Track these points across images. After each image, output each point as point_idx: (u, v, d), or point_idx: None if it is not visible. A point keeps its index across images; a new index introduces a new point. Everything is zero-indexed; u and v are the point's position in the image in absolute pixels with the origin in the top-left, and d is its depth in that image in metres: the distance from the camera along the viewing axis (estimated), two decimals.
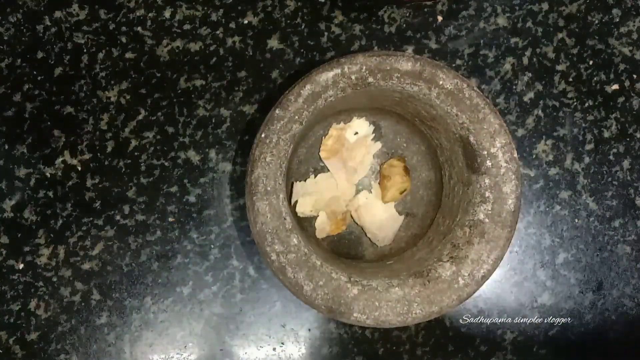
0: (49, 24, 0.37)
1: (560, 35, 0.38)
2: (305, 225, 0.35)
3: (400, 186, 0.35)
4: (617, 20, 0.38)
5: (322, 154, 0.35)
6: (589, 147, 0.37)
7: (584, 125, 0.38)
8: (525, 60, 0.38)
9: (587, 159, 0.37)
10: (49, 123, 0.36)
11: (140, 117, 0.36)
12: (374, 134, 0.36)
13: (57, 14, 0.37)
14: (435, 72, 0.30)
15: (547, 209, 0.37)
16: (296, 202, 0.35)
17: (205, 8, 0.37)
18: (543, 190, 0.37)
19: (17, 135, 0.36)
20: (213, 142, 0.36)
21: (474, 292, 0.30)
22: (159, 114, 0.36)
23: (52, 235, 0.36)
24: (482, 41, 0.38)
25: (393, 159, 0.35)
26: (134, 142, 0.36)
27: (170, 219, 0.36)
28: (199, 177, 0.36)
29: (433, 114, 0.32)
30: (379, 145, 0.36)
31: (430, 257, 0.32)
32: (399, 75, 0.30)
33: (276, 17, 0.37)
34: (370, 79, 0.30)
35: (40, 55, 0.36)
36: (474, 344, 0.36)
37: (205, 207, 0.36)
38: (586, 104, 0.38)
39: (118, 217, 0.36)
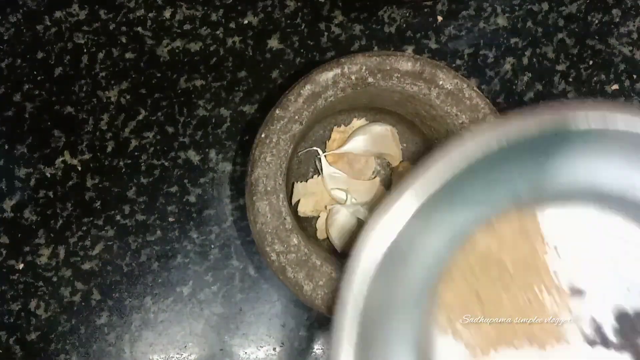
0: (49, 24, 0.37)
1: (560, 35, 0.38)
2: (305, 225, 0.35)
3: None
4: (617, 20, 0.38)
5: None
6: None
7: None
8: (525, 60, 0.38)
9: None
10: (49, 123, 0.36)
11: (140, 117, 0.36)
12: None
13: (57, 14, 0.37)
14: (435, 72, 0.30)
15: None
16: (297, 202, 0.35)
17: (205, 8, 0.37)
18: None
19: (17, 135, 0.36)
20: (213, 142, 0.36)
21: None
22: (159, 114, 0.36)
23: (52, 235, 0.36)
24: (482, 41, 0.38)
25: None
26: (134, 142, 0.36)
27: (171, 219, 0.36)
28: (199, 177, 0.36)
29: (433, 114, 0.32)
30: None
31: None
32: (398, 75, 0.30)
33: (276, 17, 0.37)
34: (370, 79, 0.30)
35: (40, 55, 0.36)
36: None
37: (205, 207, 0.36)
38: None
39: (118, 217, 0.36)
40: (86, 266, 0.35)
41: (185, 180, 0.36)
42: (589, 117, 0.24)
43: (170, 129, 0.36)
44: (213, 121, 0.36)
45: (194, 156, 0.36)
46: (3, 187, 0.36)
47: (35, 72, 0.36)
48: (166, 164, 0.36)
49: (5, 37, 0.37)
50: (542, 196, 0.28)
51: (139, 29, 0.37)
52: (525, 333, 0.29)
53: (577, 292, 0.30)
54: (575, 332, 0.30)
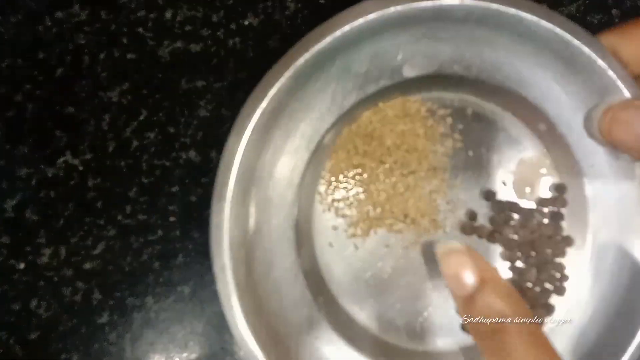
0: (49, 24, 0.37)
1: None
2: None
3: None
4: (617, 20, 0.38)
5: None
6: None
7: None
8: None
9: None
10: (50, 123, 0.36)
11: (141, 117, 0.36)
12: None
13: (58, 14, 0.37)
14: None
15: None
16: None
17: (206, 9, 0.37)
18: None
19: (18, 135, 0.36)
20: (214, 143, 0.36)
21: None
22: (160, 114, 0.36)
23: (53, 235, 0.36)
24: None
25: None
26: (135, 142, 0.36)
27: (172, 219, 0.36)
28: (201, 177, 0.36)
29: None
30: None
31: None
32: None
33: (276, 18, 0.37)
34: None
35: (41, 55, 0.37)
36: None
37: (207, 207, 0.36)
38: None
39: (119, 217, 0.36)
40: (87, 266, 0.36)
41: (187, 180, 0.36)
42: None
43: (171, 129, 0.36)
44: (214, 122, 0.37)
45: (195, 156, 0.36)
46: (4, 187, 0.36)
47: (36, 73, 0.36)
48: (167, 164, 0.36)
49: (6, 37, 0.37)
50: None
51: (140, 29, 0.37)
52: (402, 212, 0.31)
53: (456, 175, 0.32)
54: (451, 219, 0.32)
